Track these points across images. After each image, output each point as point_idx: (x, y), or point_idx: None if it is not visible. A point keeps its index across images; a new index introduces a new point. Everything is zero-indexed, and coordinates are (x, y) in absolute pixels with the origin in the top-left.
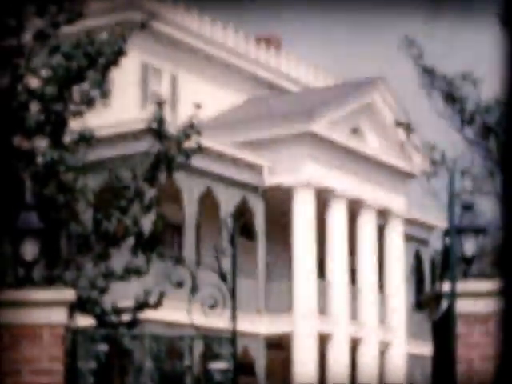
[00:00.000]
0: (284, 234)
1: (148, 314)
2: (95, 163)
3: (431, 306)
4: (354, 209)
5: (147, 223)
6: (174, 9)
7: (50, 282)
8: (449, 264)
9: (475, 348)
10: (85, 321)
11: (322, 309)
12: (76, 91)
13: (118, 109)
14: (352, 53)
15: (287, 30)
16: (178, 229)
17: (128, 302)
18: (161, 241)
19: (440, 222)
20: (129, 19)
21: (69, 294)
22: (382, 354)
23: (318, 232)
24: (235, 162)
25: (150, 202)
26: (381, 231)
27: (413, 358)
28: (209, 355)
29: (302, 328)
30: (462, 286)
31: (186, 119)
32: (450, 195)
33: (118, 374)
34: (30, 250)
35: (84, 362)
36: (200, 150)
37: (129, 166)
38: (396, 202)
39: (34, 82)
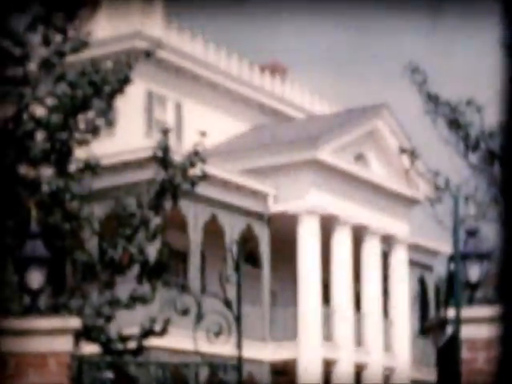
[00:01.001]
0: (289, 260)
1: (153, 342)
2: (100, 191)
3: (436, 332)
4: (359, 235)
5: (152, 251)
6: (178, 36)
7: (55, 310)
8: (453, 290)
9: (480, 374)
10: (90, 348)
11: (327, 335)
12: (81, 119)
13: (123, 137)
14: (354, 77)
15: (290, 54)
16: (183, 256)
17: (133, 330)
18: (166, 268)
19: (444, 247)
20: (133, 48)
21: (74, 322)
22: (387, 379)
23: (323, 258)
24: (240, 189)
25: (156, 229)
26: (385, 257)
27: None
28: (214, 382)
29: (307, 354)
30: (467, 311)
31: (191, 147)
32: (455, 221)
33: None
34: (35, 278)
35: None
36: (205, 177)
37: (134, 194)
38: (400, 227)
39: (39, 111)
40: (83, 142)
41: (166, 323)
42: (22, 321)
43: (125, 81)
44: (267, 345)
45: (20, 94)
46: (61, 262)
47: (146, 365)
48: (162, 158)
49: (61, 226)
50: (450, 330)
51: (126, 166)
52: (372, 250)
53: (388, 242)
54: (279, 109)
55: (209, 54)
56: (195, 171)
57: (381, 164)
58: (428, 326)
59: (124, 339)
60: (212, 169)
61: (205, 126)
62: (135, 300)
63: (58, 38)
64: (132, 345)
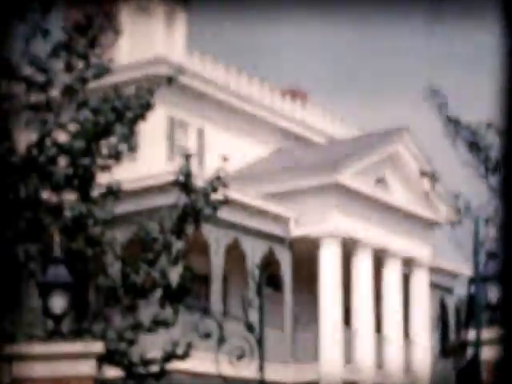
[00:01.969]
0: (310, 284)
1: (176, 365)
2: (123, 216)
3: (456, 354)
4: (380, 258)
5: (175, 275)
6: (199, 62)
7: (78, 334)
8: (474, 312)
9: None
10: (113, 372)
11: (348, 357)
12: (104, 145)
13: (145, 162)
14: (375, 100)
15: (312, 79)
16: (205, 280)
17: (156, 353)
18: (188, 292)
19: (465, 270)
20: (155, 73)
21: (97, 346)
22: None
23: (344, 281)
24: (262, 213)
25: (178, 254)
26: (406, 279)
27: None
28: None
29: (328, 376)
30: (488, 333)
31: (213, 172)
32: (475, 243)
33: None
34: (58, 303)
35: None
36: (227, 202)
37: (156, 219)
38: (421, 250)
39: (62, 137)
40: (106, 168)
41: (189, 347)
42: (46, 345)
43: (147, 106)
44: (289, 367)
45: (43, 120)
46: (84, 287)
47: None
48: (184, 183)
49: (84, 251)
50: (470, 351)
51: (148, 191)
52: (393, 273)
53: (409, 264)
54: (300, 133)
55: (230, 79)
56: (217, 196)
57: (401, 187)
58: (448, 347)
59: (146, 363)
60: (234, 193)
61: (226, 151)
62: (158, 324)
63: (80, 64)
64: (154, 368)
